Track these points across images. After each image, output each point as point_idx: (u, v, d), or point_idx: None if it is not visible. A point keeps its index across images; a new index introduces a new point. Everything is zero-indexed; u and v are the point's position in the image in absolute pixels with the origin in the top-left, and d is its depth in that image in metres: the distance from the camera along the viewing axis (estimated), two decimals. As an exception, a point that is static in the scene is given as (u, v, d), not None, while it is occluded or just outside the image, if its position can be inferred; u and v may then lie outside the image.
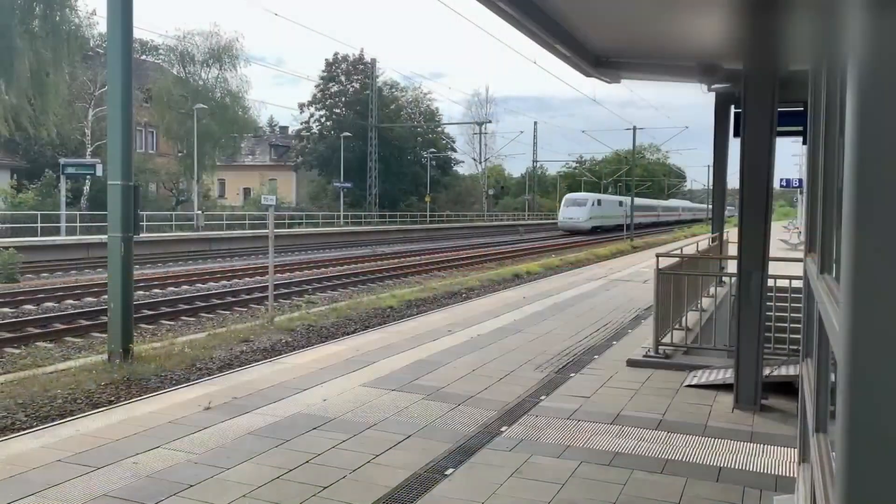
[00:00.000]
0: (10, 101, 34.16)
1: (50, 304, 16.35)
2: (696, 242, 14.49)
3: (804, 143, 9.03)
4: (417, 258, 31.69)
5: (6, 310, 15.37)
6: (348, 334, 11.77)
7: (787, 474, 5.20)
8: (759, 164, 6.87)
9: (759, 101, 6.88)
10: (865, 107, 1.24)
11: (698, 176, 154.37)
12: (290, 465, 5.26)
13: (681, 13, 7.35)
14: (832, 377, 2.85)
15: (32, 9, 35.04)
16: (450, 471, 5.20)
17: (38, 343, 12.37)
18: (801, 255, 5.03)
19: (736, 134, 10.39)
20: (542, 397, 7.17)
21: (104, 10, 9.98)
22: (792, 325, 8.06)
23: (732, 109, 12.81)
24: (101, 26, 39.35)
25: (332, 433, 5.97)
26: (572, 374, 8.15)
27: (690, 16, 7.44)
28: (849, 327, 1.52)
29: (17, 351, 11.78)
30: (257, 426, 6.13)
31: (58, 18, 35.75)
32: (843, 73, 2.29)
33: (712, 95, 13.16)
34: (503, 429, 6.17)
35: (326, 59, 71.50)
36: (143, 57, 55.02)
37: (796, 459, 4.87)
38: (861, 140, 1.26)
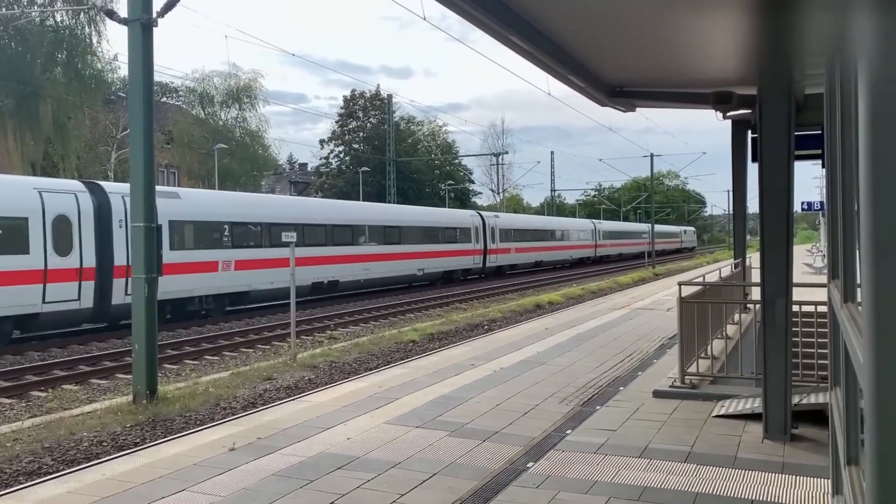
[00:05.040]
0: (31, 146, 34.70)
1: (76, 346, 16.49)
2: (718, 269, 14.35)
3: (823, 166, 8.94)
4: (439, 290, 31.64)
5: (34, 353, 15.52)
6: (371, 370, 11.75)
7: (821, 505, 5.09)
8: (778, 188, 6.81)
9: (775, 126, 6.84)
10: (877, 126, 1.21)
11: (718, 201, 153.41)
12: (314, 505, 5.23)
13: (693, 41, 7.37)
14: (861, 407, 2.80)
15: (54, 55, 35.73)
16: (476, 508, 5.14)
17: (64, 385, 12.45)
18: (825, 279, 4.97)
19: (754, 159, 10.32)
20: (568, 431, 7.09)
21: (126, 55, 10.21)
22: (820, 352, 7.92)
23: (749, 135, 12.75)
24: (123, 70, 40.13)
25: (357, 472, 5.94)
26: (598, 407, 8.06)
27: (703, 43, 7.45)
28: (873, 360, 1.49)
29: (43, 394, 11.87)
30: (282, 467, 6.11)
31: (79, 64, 36.40)
32: (857, 94, 2.27)
33: (729, 122, 13.11)
34: (529, 465, 6.10)
35: (344, 96, 72.55)
36: (164, 99, 55.91)
37: (830, 491, 4.77)
38: (874, 159, 1.21)
